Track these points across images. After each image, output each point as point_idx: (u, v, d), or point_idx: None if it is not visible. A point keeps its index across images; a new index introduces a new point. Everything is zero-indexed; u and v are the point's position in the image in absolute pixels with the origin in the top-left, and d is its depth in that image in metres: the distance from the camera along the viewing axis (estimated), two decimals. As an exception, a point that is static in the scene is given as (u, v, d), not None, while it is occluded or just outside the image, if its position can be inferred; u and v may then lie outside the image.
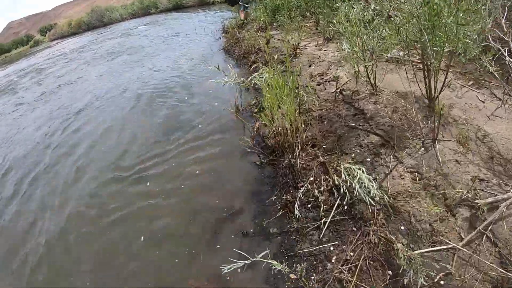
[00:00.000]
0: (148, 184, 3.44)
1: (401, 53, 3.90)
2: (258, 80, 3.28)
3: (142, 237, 2.74)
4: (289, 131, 2.79)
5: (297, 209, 2.35)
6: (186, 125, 4.54)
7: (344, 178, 2.18)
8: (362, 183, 2.01)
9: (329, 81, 4.11)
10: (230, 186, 3.06)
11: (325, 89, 3.94)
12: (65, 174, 4.11)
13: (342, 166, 2.26)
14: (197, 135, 4.21)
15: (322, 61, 4.90)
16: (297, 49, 5.69)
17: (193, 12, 18.30)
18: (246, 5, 8.48)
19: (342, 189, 2.24)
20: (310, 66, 4.89)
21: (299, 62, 5.24)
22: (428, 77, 2.74)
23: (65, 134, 5.49)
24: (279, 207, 2.61)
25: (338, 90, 3.69)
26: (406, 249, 1.79)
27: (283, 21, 7.23)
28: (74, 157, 4.50)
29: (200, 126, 4.42)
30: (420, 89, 2.84)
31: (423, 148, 2.40)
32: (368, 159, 2.51)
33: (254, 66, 5.92)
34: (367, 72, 3.33)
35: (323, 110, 3.48)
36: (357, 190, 2.01)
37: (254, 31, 8.14)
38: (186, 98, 5.64)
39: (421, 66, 3.04)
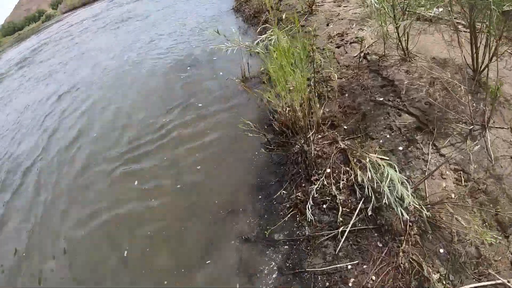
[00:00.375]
0: (136, 183, 3.06)
1: (440, 9, 3.11)
2: (261, 48, 2.68)
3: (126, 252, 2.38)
4: (299, 112, 2.25)
5: (309, 211, 1.90)
6: (184, 103, 4.07)
7: (369, 176, 1.66)
8: (392, 185, 1.49)
9: (350, 43, 3.41)
10: (231, 177, 2.61)
11: (346, 52, 3.27)
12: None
13: (367, 160, 1.74)
14: (195, 116, 3.74)
15: (342, 19, 4.14)
16: (313, 6, 4.88)
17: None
18: None
19: (366, 190, 1.74)
20: (328, 25, 4.15)
21: (315, 20, 4.49)
22: (475, 42, 2.06)
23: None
24: (288, 205, 2.15)
25: (362, 54, 3.02)
26: (444, 282, 1.31)
27: (297, -27, 6.28)
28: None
29: (199, 104, 3.92)
30: (463, 56, 2.16)
31: (472, 141, 1.80)
32: (401, 148, 1.95)
33: (262, 26, 5.23)
34: (397, 33, 2.63)
35: (343, 79, 2.86)
36: (386, 196, 1.51)
37: (265, -13, 7.25)
38: (188, 68, 5.09)
39: (462, 28, 2.33)
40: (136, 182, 2.96)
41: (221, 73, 4.46)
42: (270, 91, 2.12)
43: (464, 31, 2.82)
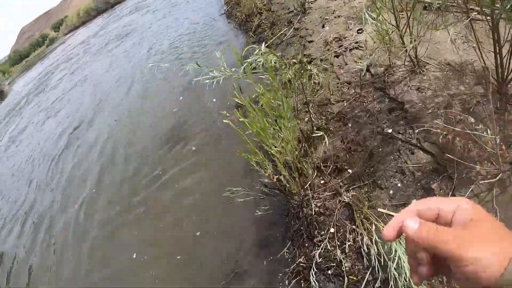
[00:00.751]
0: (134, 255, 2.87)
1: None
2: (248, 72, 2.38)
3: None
4: (290, 183, 1.92)
5: (313, 277, 1.62)
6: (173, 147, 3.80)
7: (375, 248, 1.35)
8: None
9: (350, 50, 3.00)
10: (231, 233, 2.36)
11: (346, 64, 2.87)
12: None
13: (373, 225, 1.42)
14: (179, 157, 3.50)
15: (338, 17, 3.69)
16: (306, 3, 4.44)
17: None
18: None
19: (373, 259, 1.43)
20: (323, 26, 3.72)
21: (309, 21, 4.06)
22: (499, 43, 1.63)
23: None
24: (291, 270, 1.86)
25: (364, 70, 2.62)
26: None
27: (285, -34, 5.79)
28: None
29: (194, 148, 3.59)
30: (482, 60, 1.75)
31: (499, 189, 1.42)
32: (414, 200, 1.60)
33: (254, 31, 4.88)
34: (401, 36, 2.21)
35: (345, 102, 2.48)
36: (393, 279, 1.20)
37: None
38: (181, 98, 4.80)
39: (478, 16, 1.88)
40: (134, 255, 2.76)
41: (214, 100, 4.13)
42: (253, 154, 1.80)
43: (482, 20, 2.35)
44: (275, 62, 2.93)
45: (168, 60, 5.88)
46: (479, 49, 1.80)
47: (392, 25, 2.15)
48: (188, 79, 4.84)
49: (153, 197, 3.20)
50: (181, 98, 4.62)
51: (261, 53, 2.89)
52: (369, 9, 3.22)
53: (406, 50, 2.23)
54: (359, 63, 2.67)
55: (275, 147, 1.68)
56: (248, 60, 2.84)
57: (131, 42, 9.19)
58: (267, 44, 4.47)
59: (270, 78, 1.75)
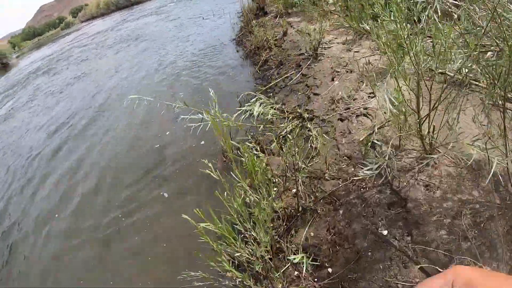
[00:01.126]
0: None
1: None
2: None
3: None
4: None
5: None
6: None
7: None
8: None
9: (357, 116, 2.74)
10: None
11: (350, 132, 2.59)
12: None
13: None
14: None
15: (350, 72, 3.47)
16: (319, 48, 4.25)
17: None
18: None
19: None
20: (333, 79, 3.49)
21: (318, 69, 3.84)
22: None
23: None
24: None
25: (369, 143, 2.34)
26: None
27: (304, 5, 5.70)
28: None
29: (166, 195, 3.14)
30: (505, 160, 1.48)
31: None
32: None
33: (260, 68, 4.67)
34: (420, 124, 1.94)
35: (340, 181, 2.18)
36: None
37: (272, 16, 6.67)
38: (167, 132, 4.43)
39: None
40: None
41: (202, 142, 3.72)
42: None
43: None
44: (272, 115, 2.66)
45: (163, 85, 5.60)
46: (506, 146, 1.53)
47: (412, 109, 1.88)
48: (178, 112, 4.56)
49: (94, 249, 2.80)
50: (167, 133, 4.19)
51: (260, 103, 2.63)
52: (384, 77, 3.01)
53: (421, 137, 1.97)
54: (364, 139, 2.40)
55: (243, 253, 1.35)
56: (243, 108, 2.57)
57: (139, 49, 9.05)
58: (270, 84, 4.25)
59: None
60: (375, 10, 3.09)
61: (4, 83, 13.19)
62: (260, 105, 2.67)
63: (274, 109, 2.76)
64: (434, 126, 1.89)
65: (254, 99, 2.72)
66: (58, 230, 3.17)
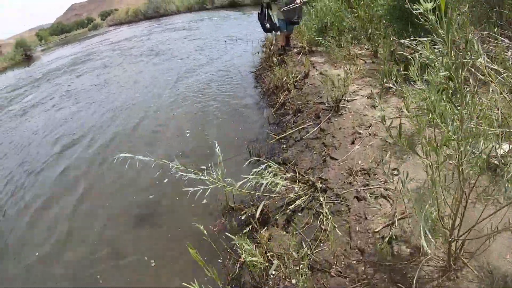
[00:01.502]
0: None
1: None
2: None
3: None
4: None
5: None
6: None
7: None
8: None
9: (375, 197, 2.39)
10: None
11: (366, 217, 2.24)
12: None
13: None
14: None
15: (373, 137, 3.15)
16: (341, 100, 3.95)
17: (247, 12, 16.80)
18: (288, 25, 6.07)
19: None
20: (353, 142, 3.17)
21: (338, 126, 3.53)
22: None
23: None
24: None
25: (386, 239, 1.99)
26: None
27: (329, 46, 5.48)
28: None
29: (152, 264, 2.68)
30: None
31: None
32: None
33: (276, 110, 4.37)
34: (451, 228, 1.59)
35: (347, 281, 1.83)
36: None
37: (296, 51, 6.45)
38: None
39: None
40: None
41: (204, 201, 3.08)
42: None
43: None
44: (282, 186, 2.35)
45: (172, 115, 5.35)
46: None
47: (443, 223, 1.53)
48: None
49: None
50: (165, 180, 3.58)
51: (268, 172, 2.32)
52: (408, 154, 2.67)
53: (449, 244, 1.61)
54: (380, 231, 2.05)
55: None
56: (250, 176, 2.27)
57: (158, 66, 9.01)
58: (285, 134, 3.96)
59: None
60: (409, 73, 2.75)
61: (24, 76, 13.42)
62: (269, 174, 2.37)
63: (285, 179, 2.44)
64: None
65: (264, 166, 2.42)
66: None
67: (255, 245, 2.12)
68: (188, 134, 4.45)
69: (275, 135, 3.93)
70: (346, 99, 4.00)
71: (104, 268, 2.68)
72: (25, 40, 20.66)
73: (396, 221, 2.08)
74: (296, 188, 2.64)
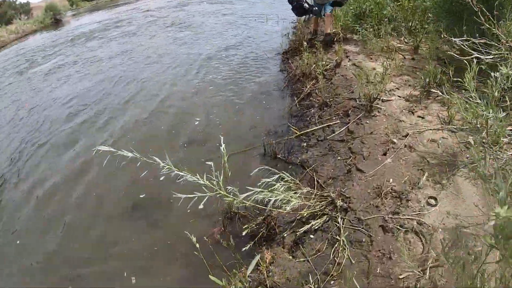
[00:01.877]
0: None
1: None
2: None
3: None
4: None
5: None
6: None
7: None
8: None
9: (405, 231, 1.96)
10: None
11: (390, 257, 1.83)
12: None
13: None
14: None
15: (410, 150, 2.67)
16: (376, 99, 3.43)
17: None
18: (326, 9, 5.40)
19: None
20: (385, 154, 2.70)
21: (369, 131, 3.06)
22: None
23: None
24: None
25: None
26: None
27: (366, 35, 4.86)
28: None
29: (133, 281, 2.33)
30: None
31: None
32: None
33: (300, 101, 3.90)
34: None
35: None
36: None
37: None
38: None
39: None
40: None
41: (200, 206, 2.79)
42: None
43: None
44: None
45: (189, 92, 4.96)
46: None
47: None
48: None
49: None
50: (161, 178, 3.20)
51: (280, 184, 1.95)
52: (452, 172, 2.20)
53: None
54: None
55: None
56: (254, 189, 1.90)
57: (185, 39, 8.62)
58: (307, 131, 3.52)
59: None
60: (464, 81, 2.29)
61: (53, 38, 13.49)
62: (281, 187, 1.99)
63: (299, 195, 2.05)
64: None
65: (276, 177, 2.03)
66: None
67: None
68: (197, 122, 4.08)
69: (296, 130, 3.51)
70: (382, 98, 3.48)
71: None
72: (55, 4, 20.71)
73: (428, 269, 1.66)
74: (311, 203, 2.25)
